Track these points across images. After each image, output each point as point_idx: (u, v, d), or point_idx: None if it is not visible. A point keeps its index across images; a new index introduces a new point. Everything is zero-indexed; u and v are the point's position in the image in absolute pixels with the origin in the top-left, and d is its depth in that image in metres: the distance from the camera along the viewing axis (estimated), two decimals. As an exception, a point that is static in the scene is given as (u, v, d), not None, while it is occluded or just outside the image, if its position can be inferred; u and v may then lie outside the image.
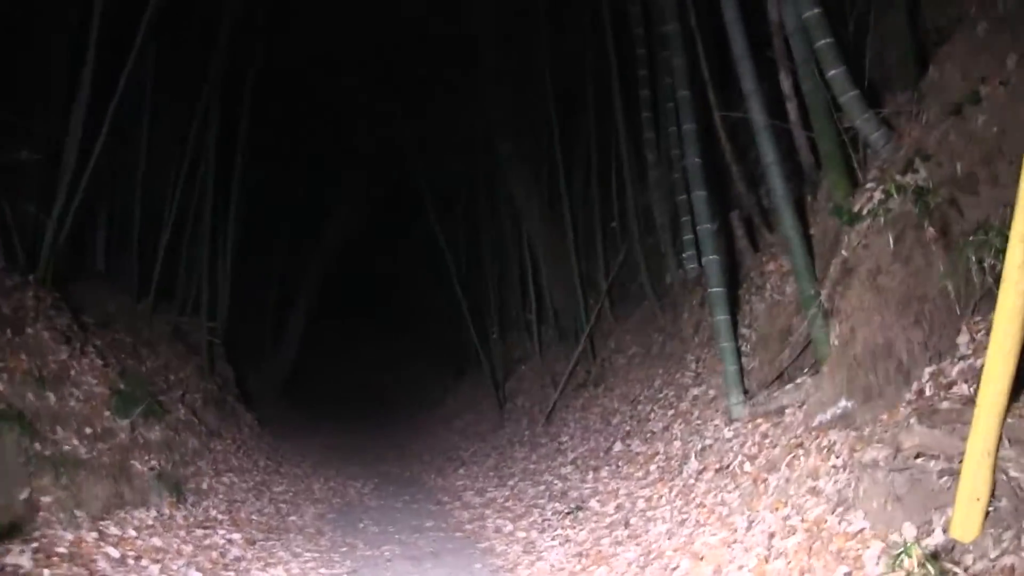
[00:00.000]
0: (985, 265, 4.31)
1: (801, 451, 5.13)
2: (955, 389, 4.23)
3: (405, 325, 24.35)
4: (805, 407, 5.65)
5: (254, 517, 8.71)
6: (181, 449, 8.98)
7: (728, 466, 6.04)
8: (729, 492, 5.65)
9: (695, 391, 8.20)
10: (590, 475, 8.80)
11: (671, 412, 8.47)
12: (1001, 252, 3.54)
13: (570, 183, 13.78)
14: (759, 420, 6.22)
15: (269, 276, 19.56)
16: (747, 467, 5.74)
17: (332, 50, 14.96)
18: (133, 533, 6.55)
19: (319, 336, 21.26)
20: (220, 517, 8.18)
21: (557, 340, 14.46)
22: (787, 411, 5.91)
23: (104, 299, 11.61)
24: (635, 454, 8.34)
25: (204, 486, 8.85)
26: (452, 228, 17.05)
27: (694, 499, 6.06)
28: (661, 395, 9.25)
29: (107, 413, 7.59)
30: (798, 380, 6.02)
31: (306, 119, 17.93)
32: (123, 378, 8.36)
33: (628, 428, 9.34)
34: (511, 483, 10.29)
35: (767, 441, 5.82)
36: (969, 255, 4.42)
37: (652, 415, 8.90)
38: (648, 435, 8.50)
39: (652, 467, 7.62)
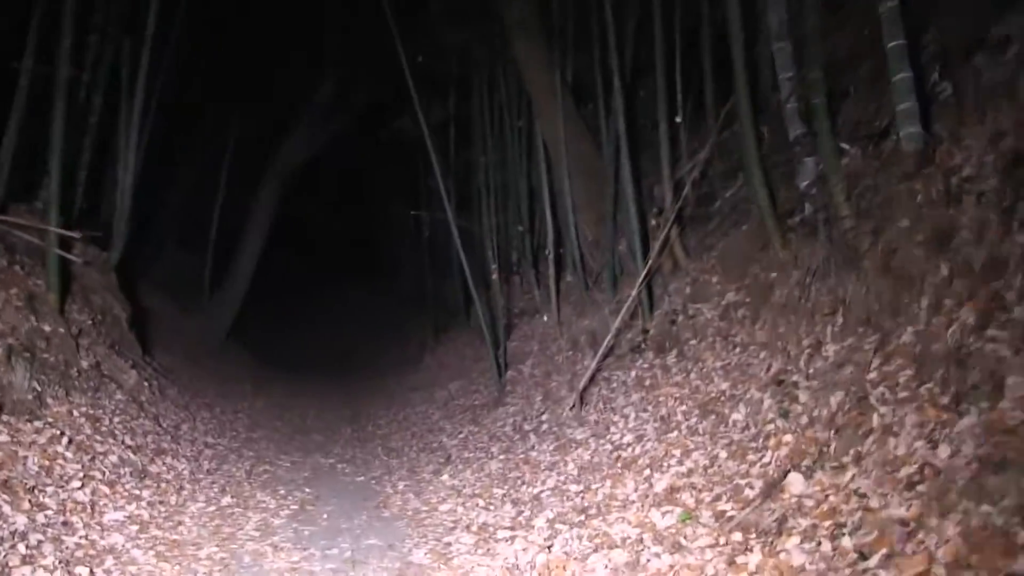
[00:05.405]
0: None
1: None
2: None
3: (372, 264, 18.74)
4: None
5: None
6: None
7: None
8: None
9: None
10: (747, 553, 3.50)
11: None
12: None
13: (622, 58, 8.23)
14: None
15: (212, 200, 14.00)
16: None
17: None
18: None
19: (271, 276, 15.67)
20: None
21: (582, 286, 9.10)
22: None
23: None
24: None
25: None
26: (439, 139, 11.31)
27: None
28: (871, 380, 3.97)
29: None
30: None
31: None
32: None
33: (804, 447, 4.04)
34: (539, 522, 4.94)
35: None
36: None
37: (875, 414, 3.61)
38: (897, 464, 3.21)
39: None
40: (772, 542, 3.42)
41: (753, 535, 3.59)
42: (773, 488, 3.80)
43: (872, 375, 3.96)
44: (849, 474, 3.46)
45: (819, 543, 3.17)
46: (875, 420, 3.64)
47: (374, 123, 12.41)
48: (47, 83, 7.42)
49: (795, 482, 3.69)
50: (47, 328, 6.69)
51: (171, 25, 10.14)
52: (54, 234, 7.10)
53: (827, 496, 3.45)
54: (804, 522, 3.38)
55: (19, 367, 5.80)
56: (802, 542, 3.26)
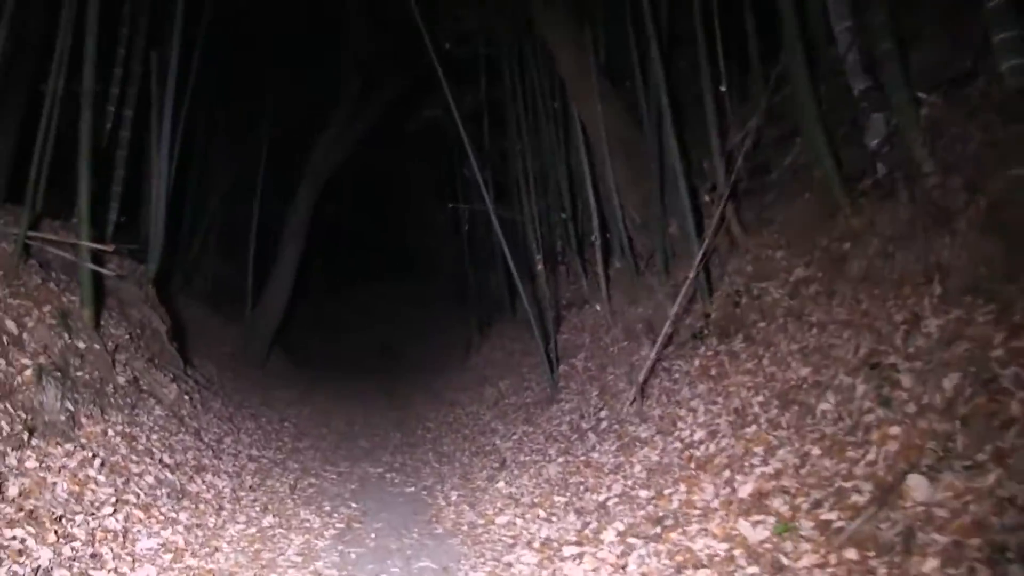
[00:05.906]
0: None
1: None
2: None
3: (412, 263, 18.23)
4: None
5: None
6: None
7: None
8: None
9: None
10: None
11: None
12: None
13: (658, 27, 7.54)
14: None
15: (249, 209, 13.51)
16: None
17: None
18: None
19: (311, 282, 15.23)
20: None
21: (633, 271, 8.45)
22: None
23: None
24: None
25: None
26: (473, 128, 10.61)
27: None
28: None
29: None
30: None
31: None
32: None
33: (919, 441, 3.37)
34: (609, 536, 4.33)
35: None
36: None
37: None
38: None
39: None
40: (900, 563, 2.76)
41: (872, 553, 2.94)
42: (889, 493, 3.14)
43: (997, 352, 3.27)
44: (991, 476, 2.79)
45: (972, 569, 2.50)
46: (1013, 408, 2.96)
47: (404, 116, 11.83)
48: (78, 100, 6.95)
49: (917, 486, 3.03)
50: (81, 345, 6.23)
51: (196, 35, 9.66)
52: (87, 249, 6.65)
53: (966, 505, 2.77)
54: (941, 538, 2.72)
55: (50, 387, 5.32)
56: (944, 565, 2.60)
